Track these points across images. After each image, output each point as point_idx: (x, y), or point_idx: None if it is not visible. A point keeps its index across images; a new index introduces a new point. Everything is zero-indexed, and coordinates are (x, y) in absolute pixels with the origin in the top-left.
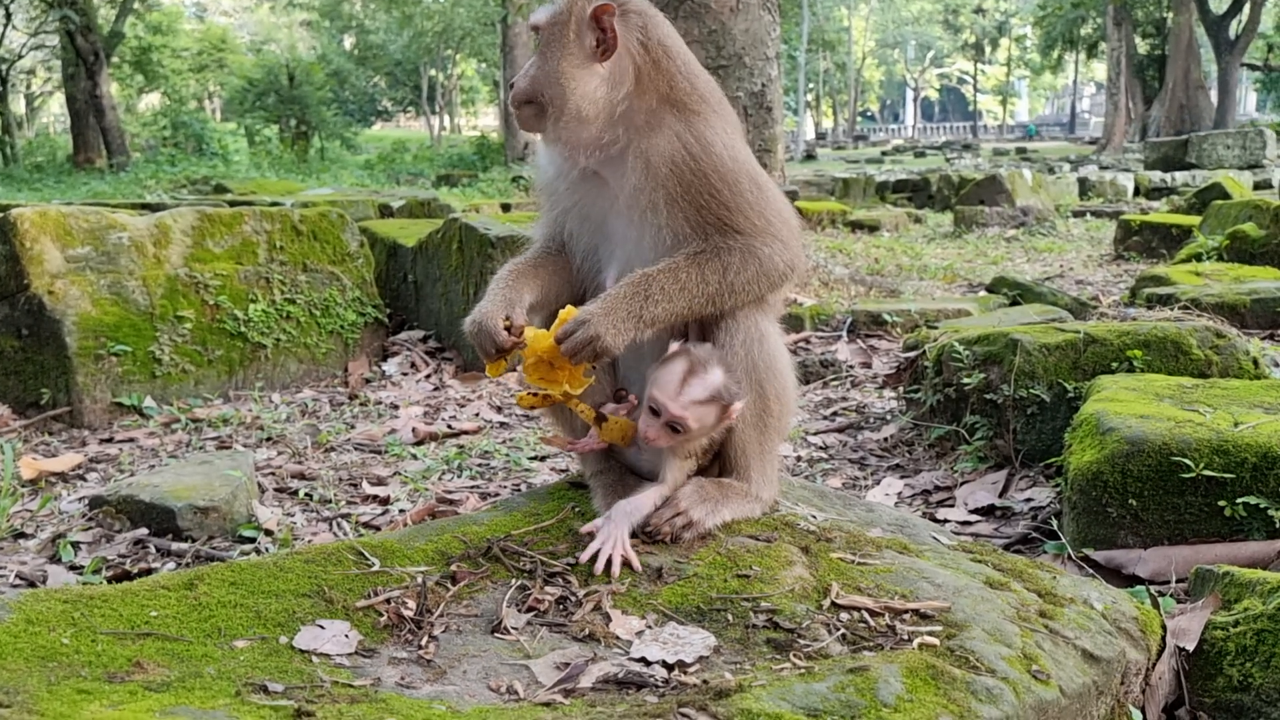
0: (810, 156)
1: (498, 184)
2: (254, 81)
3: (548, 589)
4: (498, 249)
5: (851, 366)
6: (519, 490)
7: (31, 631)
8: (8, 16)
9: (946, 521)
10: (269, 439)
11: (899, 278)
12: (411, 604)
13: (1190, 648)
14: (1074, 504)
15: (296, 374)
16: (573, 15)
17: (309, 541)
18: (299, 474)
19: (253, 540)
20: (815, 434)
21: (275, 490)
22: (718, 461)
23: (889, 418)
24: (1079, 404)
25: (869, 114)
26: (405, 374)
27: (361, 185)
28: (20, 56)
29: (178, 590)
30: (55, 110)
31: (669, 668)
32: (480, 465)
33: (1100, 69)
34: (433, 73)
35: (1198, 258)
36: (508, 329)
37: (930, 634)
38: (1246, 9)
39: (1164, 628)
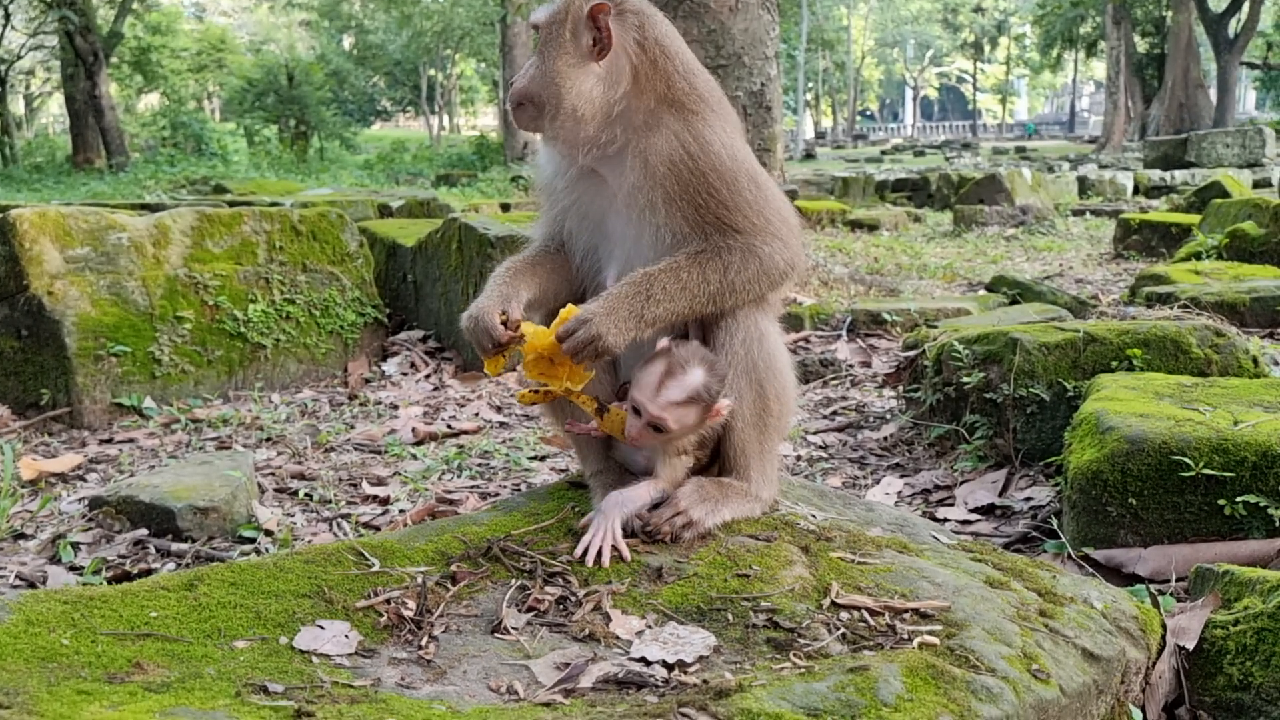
0: (810, 156)
1: (497, 184)
2: (253, 82)
3: (548, 589)
4: (497, 249)
5: (851, 366)
6: (519, 490)
7: (31, 632)
8: (7, 17)
9: (946, 521)
10: (269, 439)
11: (898, 277)
12: (411, 604)
13: (1190, 646)
14: (1074, 503)
15: (296, 374)
16: (569, 14)
17: (309, 542)
18: (299, 474)
19: (253, 541)
20: (815, 433)
21: (275, 490)
22: (717, 461)
23: (889, 417)
24: (1079, 403)
25: (868, 113)
26: (405, 374)
27: (361, 185)
28: (19, 57)
29: (178, 591)
30: (54, 111)
31: (669, 667)
32: (480, 465)
33: (1099, 68)
34: (432, 72)
35: (1197, 256)
36: (504, 324)
37: (930, 633)
38: (1246, 7)
39: (1164, 626)
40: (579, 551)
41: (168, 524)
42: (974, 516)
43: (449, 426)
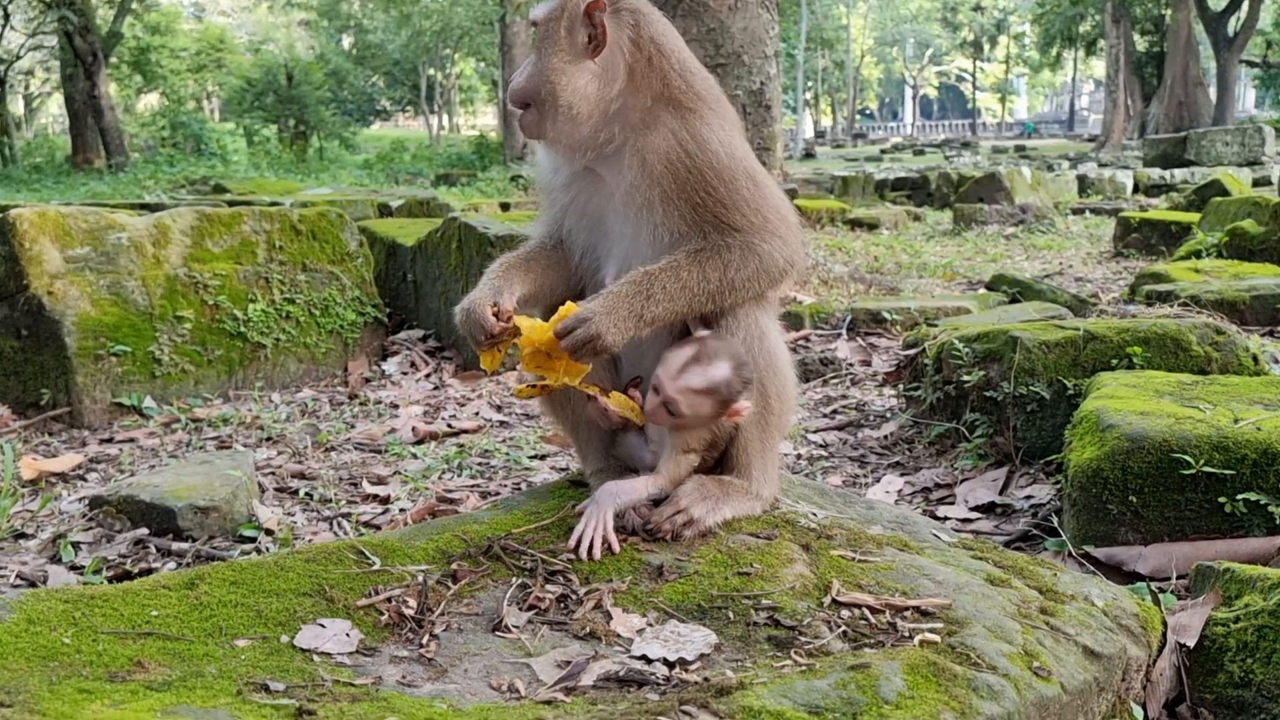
0: (809, 155)
1: (496, 183)
2: (252, 81)
3: (548, 587)
4: (497, 248)
5: (851, 364)
6: (519, 489)
7: (33, 631)
8: (6, 17)
9: (947, 519)
10: (269, 439)
11: (898, 275)
12: (412, 603)
13: (1191, 644)
14: (1074, 501)
15: (296, 374)
16: (565, 11)
17: (309, 541)
18: (299, 473)
19: (253, 540)
20: (815, 432)
21: (275, 490)
22: (719, 459)
23: (889, 415)
24: (1079, 401)
25: (868, 112)
26: (405, 373)
27: (360, 185)
28: (19, 57)
29: (179, 590)
30: (54, 111)
31: (670, 665)
32: (480, 464)
33: (1099, 66)
34: (431, 72)
35: (1197, 255)
36: (496, 315)
37: (931, 631)
38: (1245, 6)
39: (1165, 624)
40: (572, 541)
41: (168, 523)
42: (974, 514)
43: (449, 425)
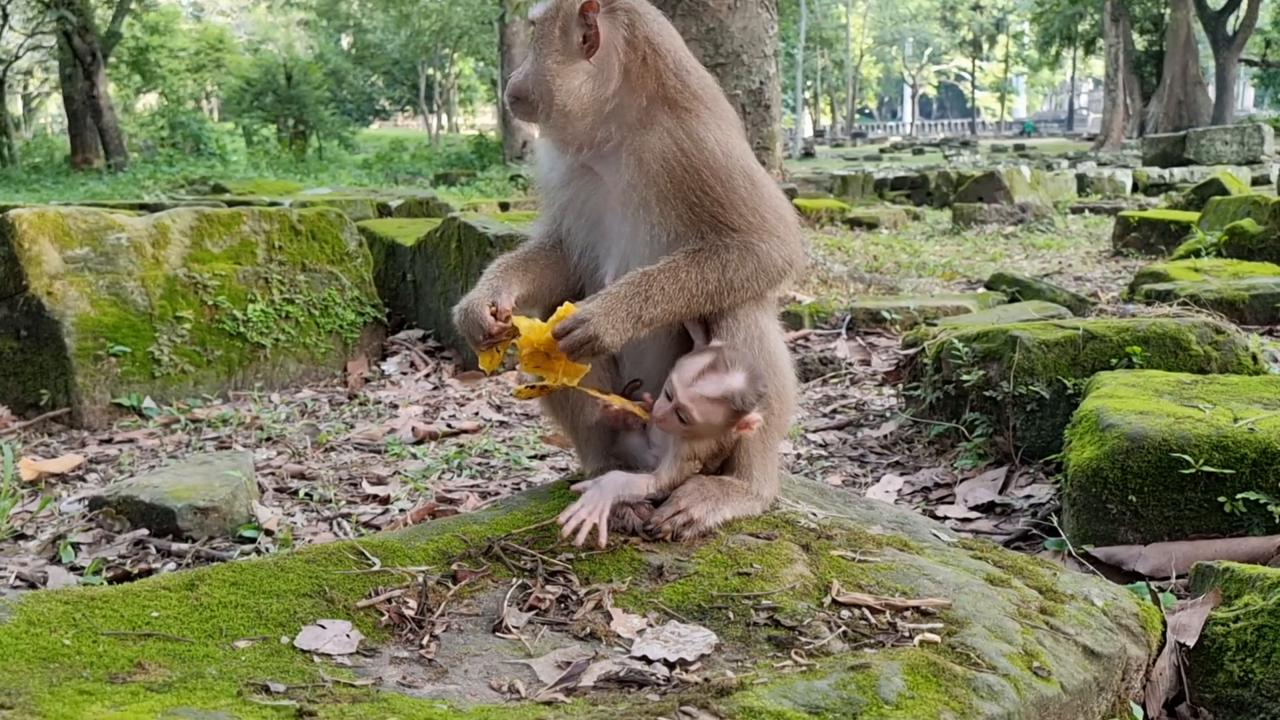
0: (808, 154)
1: (496, 183)
2: (251, 81)
3: (549, 588)
4: (496, 247)
5: (851, 364)
6: (519, 489)
7: (33, 633)
8: (4, 17)
9: (946, 518)
10: (268, 439)
11: (898, 275)
12: (413, 603)
13: (1191, 643)
14: (1074, 500)
15: (296, 374)
16: (561, 11)
17: (309, 541)
18: (299, 474)
19: (253, 540)
20: (815, 431)
21: (275, 490)
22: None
23: (888, 415)
24: (1078, 400)
25: (867, 111)
26: (405, 373)
27: (360, 185)
28: (17, 57)
29: (179, 591)
30: (53, 111)
31: (670, 666)
32: (480, 464)
33: (1098, 65)
34: (430, 72)
35: (1196, 254)
36: (494, 315)
37: (931, 631)
38: (1244, 4)
39: (1164, 623)
40: (563, 516)
41: (168, 524)
42: (974, 514)
43: (449, 426)
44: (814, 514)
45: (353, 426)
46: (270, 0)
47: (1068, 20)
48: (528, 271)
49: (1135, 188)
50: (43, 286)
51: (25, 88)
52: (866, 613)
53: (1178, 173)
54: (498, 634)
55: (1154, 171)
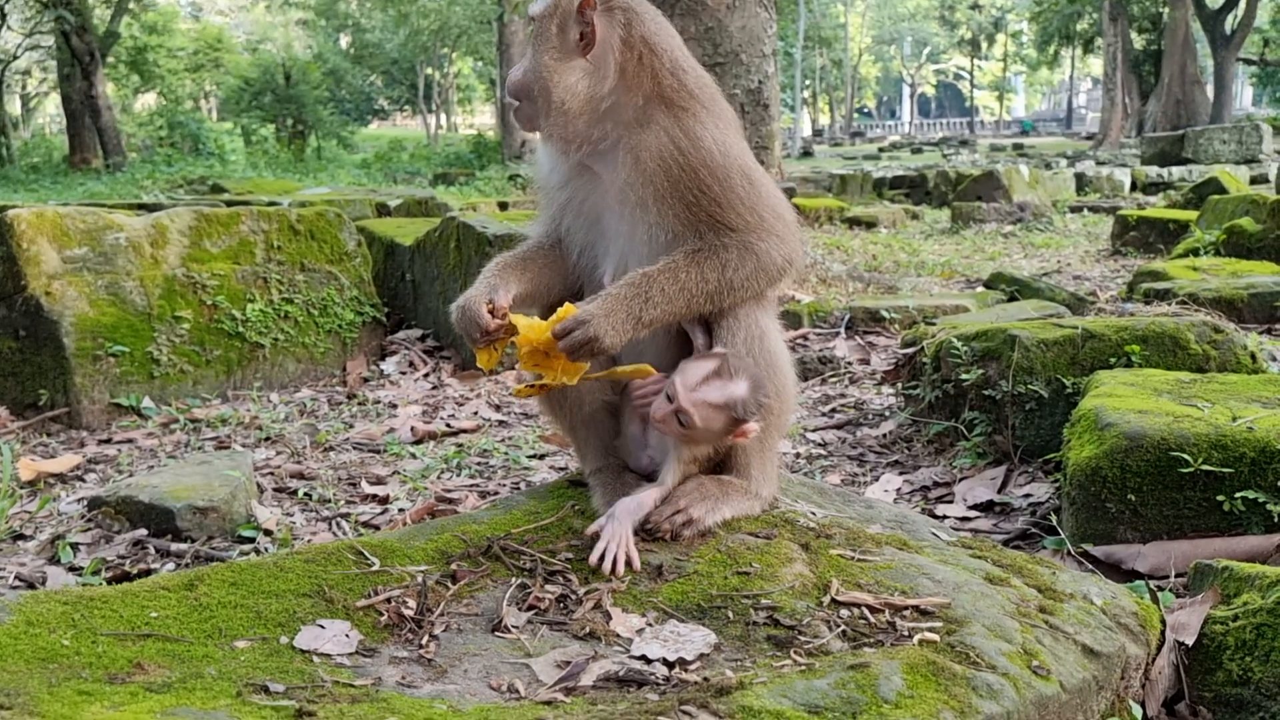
0: (807, 153)
1: (495, 182)
2: (250, 81)
3: (548, 587)
4: (495, 247)
5: (850, 363)
6: (518, 489)
7: (32, 633)
8: (3, 17)
9: (945, 517)
10: (267, 439)
11: (897, 274)
12: (412, 603)
13: (1190, 642)
14: (1073, 499)
15: (295, 374)
16: (559, 8)
17: (308, 541)
18: (298, 474)
19: (252, 540)
20: (814, 431)
21: (274, 490)
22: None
23: (887, 414)
24: (1077, 399)
25: (866, 110)
26: (404, 373)
27: (358, 184)
28: (15, 57)
29: (178, 591)
30: (51, 111)
31: (670, 665)
32: (479, 464)
33: (1097, 64)
34: (429, 71)
35: (1195, 253)
36: (491, 313)
37: (930, 630)
38: (1242, 4)
39: (1163, 622)
40: (594, 558)
41: (167, 524)
42: (973, 513)
43: (448, 425)
44: (813, 513)
45: (352, 426)
46: (269, 0)
47: (1066, 19)
48: (526, 270)
49: (1134, 187)
50: (41, 286)
51: (23, 87)
52: (866, 612)
53: (1176, 172)
54: (497, 634)
55: (1152, 170)
